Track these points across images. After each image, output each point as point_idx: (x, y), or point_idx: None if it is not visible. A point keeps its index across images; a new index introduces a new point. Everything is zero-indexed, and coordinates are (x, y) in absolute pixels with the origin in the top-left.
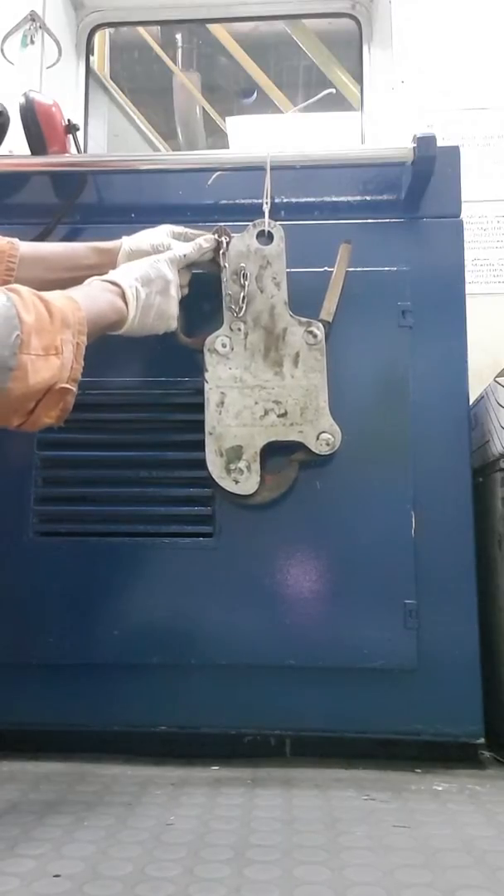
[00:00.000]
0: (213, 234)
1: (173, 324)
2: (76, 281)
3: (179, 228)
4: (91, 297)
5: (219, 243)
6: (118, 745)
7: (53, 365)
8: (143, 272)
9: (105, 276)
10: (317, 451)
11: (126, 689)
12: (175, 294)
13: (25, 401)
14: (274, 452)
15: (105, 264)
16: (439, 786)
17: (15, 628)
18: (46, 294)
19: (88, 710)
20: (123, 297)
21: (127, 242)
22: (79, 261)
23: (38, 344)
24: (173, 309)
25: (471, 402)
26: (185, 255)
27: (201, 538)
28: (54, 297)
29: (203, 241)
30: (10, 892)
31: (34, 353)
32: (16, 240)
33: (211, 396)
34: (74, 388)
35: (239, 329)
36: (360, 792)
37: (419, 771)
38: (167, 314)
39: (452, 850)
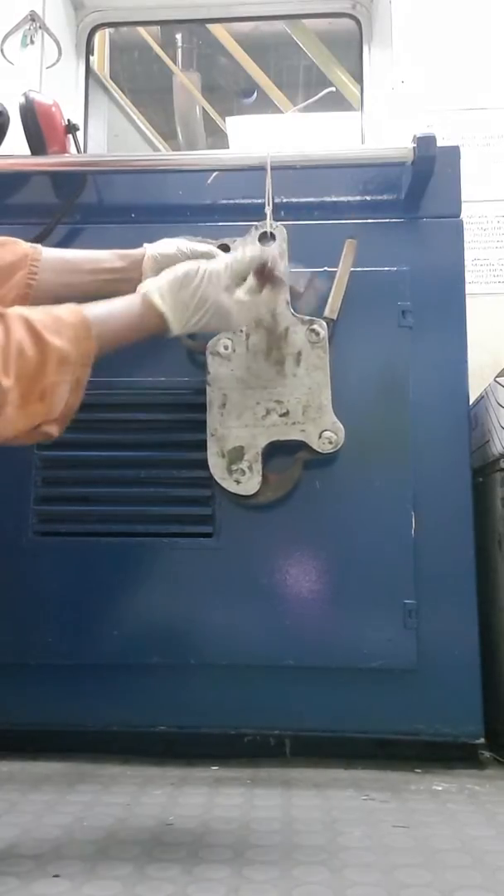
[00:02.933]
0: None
1: (233, 321)
2: (99, 285)
3: (196, 241)
4: (110, 309)
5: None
6: (118, 745)
7: (35, 412)
8: (172, 272)
9: (144, 287)
10: (319, 450)
11: (126, 689)
12: (225, 285)
13: (3, 441)
14: (278, 452)
15: (129, 269)
16: (439, 786)
17: (15, 628)
18: (54, 316)
19: (88, 710)
20: (151, 302)
21: (150, 248)
22: (102, 264)
23: (17, 397)
24: (225, 301)
25: (471, 402)
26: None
27: (201, 538)
28: (62, 327)
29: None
30: (9, 892)
31: (11, 408)
32: (39, 245)
33: (213, 398)
34: (59, 427)
35: (241, 330)
36: (359, 792)
37: (419, 771)
38: (216, 307)
39: (452, 850)
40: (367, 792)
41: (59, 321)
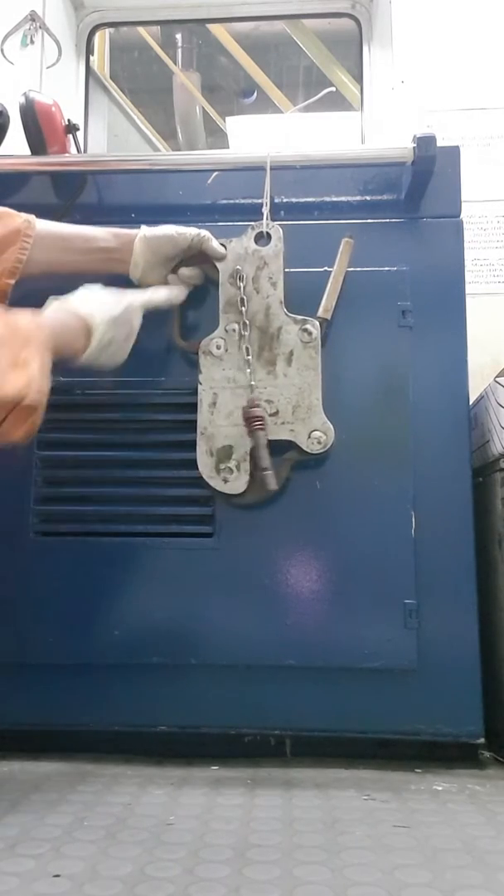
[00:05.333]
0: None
1: (116, 364)
2: (91, 263)
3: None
4: (59, 324)
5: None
6: (118, 745)
7: (21, 377)
8: (117, 314)
9: (79, 307)
10: (308, 450)
11: (126, 689)
12: (132, 342)
13: None
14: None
15: (121, 249)
16: (439, 786)
17: (15, 628)
18: (10, 312)
19: (88, 710)
20: (90, 335)
21: (145, 230)
22: (96, 243)
23: (5, 355)
24: (124, 355)
25: (471, 402)
26: (156, 305)
27: (201, 538)
28: (18, 315)
29: (179, 291)
30: (10, 892)
31: (3, 362)
32: (32, 217)
33: (204, 397)
34: (41, 407)
35: (234, 330)
36: (360, 792)
37: (419, 771)
38: (117, 357)
39: (452, 850)
40: (367, 792)
41: (13, 313)
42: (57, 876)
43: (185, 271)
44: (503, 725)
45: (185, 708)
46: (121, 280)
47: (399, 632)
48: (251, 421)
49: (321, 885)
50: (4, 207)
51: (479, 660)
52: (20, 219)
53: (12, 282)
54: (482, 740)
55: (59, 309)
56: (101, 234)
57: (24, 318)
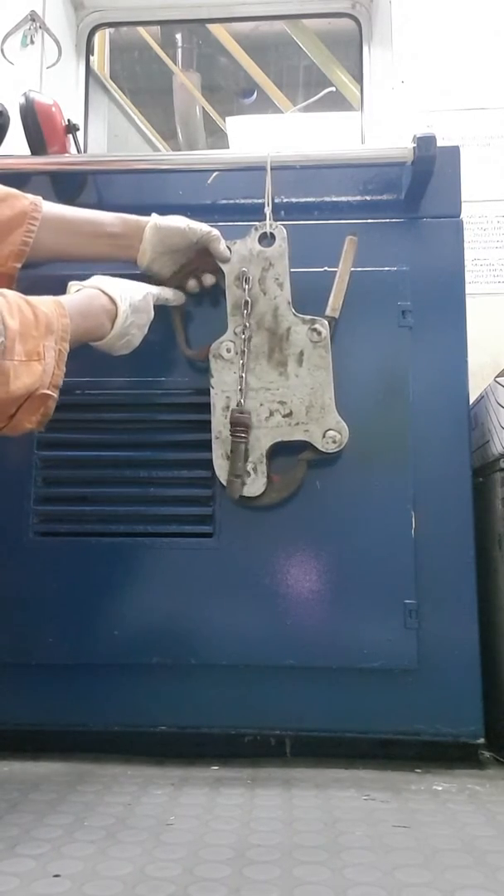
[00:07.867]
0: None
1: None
2: (97, 247)
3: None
4: (84, 308)
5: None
6: (118, 745)
7: (35, 371)
8: (138, 300)
9: (106, 286)
10: (323, 449)
11: (126, 689)
12: (145, 332)
13: (6, 406)
14: (283, 453)
15: (129, 235)
16: (439, 786)
17: (15, 628)
18: (34, 298)
19: (88, 710)
20: (114, 319)
21: (157, 219)
22: (103, 228)
23: (21, 349)
24: (136, 343)
25: (471, 402)
26: (166, 299)
27: (201, 538)
28: (42, 301)
29: (180, 296)
30: (10, 892)
31: (17, 358)
32: (39, 199)
33: (217, 401)
34: (55, 394)
35: (242, 333)
36: (360, 792)
37: (419, 771)
38: (131, 345)
39: (452, 850)
40: (367, 792)
41: (38, 299)
42: (57, 876)
43: (190, 283)
44: (503, 725)
45: (185, 708)
46: (125, 267)
47: (399, 632)
48: (235, 427)
49: (321, 885)
50: (11, 188)
51: (479, 660)
52: (27, 200)
53: (18, 265)
54: (482, 740)
55: (83, 292)
56: (108, 218)
57: (46, 304)
